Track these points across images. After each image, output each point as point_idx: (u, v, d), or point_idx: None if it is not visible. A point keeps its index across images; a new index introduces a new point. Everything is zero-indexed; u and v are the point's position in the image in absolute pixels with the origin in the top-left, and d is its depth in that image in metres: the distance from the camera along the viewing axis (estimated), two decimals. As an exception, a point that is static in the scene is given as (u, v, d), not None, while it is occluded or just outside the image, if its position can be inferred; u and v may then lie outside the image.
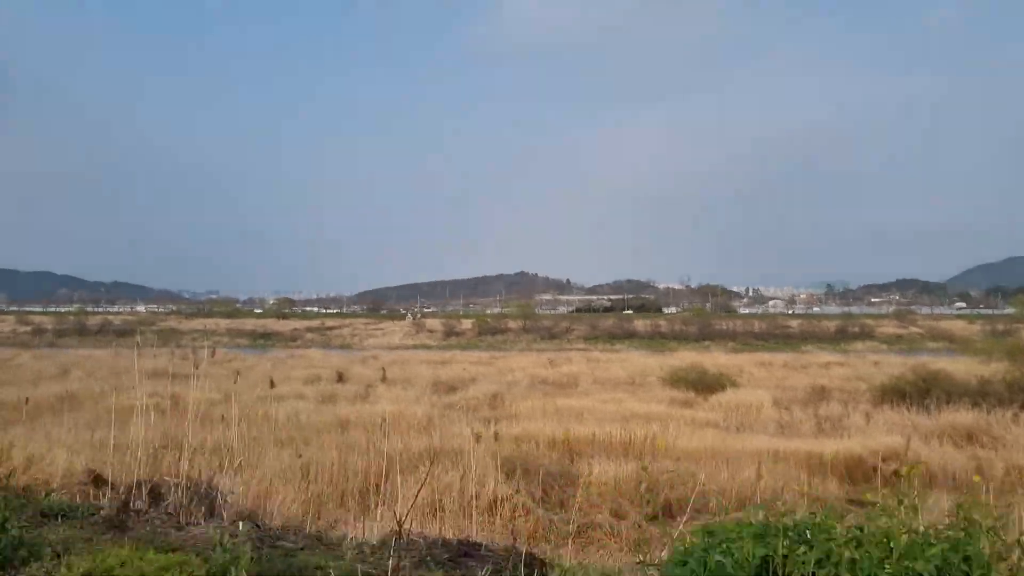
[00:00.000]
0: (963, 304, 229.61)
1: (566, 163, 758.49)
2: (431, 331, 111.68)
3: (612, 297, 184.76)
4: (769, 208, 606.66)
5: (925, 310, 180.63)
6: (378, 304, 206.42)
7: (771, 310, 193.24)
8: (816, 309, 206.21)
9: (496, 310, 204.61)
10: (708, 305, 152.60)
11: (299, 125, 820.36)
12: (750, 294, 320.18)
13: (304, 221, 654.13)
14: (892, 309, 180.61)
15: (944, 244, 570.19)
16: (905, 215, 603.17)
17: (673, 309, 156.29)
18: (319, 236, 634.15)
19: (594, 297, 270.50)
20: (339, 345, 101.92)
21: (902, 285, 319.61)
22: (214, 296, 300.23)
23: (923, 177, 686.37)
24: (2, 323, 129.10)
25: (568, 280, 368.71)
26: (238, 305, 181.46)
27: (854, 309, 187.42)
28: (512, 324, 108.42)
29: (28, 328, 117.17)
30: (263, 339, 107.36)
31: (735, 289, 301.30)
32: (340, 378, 32.89)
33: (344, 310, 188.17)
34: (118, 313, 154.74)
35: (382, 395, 25.85)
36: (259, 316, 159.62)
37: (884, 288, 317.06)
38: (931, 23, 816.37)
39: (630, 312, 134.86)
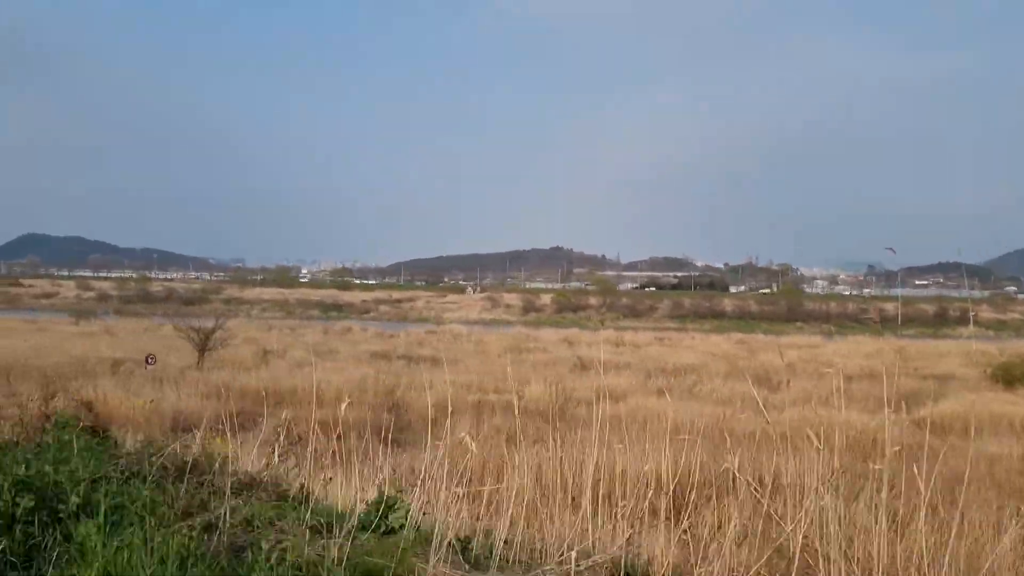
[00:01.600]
0: (1014, 288, 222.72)
1: (596, 138, 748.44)
2: (508, 306, 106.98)
3: (678, 274, 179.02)
4: (799, 187, 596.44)
5: (975, 294, 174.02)
6: (436, 276, 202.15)
7: (821, 290, 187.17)
8: (868, 292, 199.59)
9: (539, 284, 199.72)
10: (775, 285, 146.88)
11: (324, 95, 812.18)
12: (790, 274, 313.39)
13: (330, 190, 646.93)
14: (935, 292, 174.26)
15: (978, 228, 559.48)
16: (939, 197, 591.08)
17: (741, 288, 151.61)
18: (345, 205, 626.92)
19: (634, 273, 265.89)
20: (417, 319, 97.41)
21: (944, 268, 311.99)
22: (239, 264, 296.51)
23: (957, 160, 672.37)
24: (62, 288, 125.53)
25: (604, 256, 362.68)
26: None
27: (901, 291, 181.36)
28: (592, 300, 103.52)
29: (92, 294, 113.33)
30: (335, 311, 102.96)
31: (774, 268, 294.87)
32: (583, 365, 27.77)
33: (400, 281, 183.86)
34: (171, 280, 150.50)
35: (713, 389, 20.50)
36: (314, 286, 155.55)
37: (926, 271, 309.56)
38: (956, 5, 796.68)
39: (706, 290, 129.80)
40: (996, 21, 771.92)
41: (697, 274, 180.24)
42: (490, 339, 43.42)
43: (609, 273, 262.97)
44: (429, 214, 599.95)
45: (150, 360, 19.82)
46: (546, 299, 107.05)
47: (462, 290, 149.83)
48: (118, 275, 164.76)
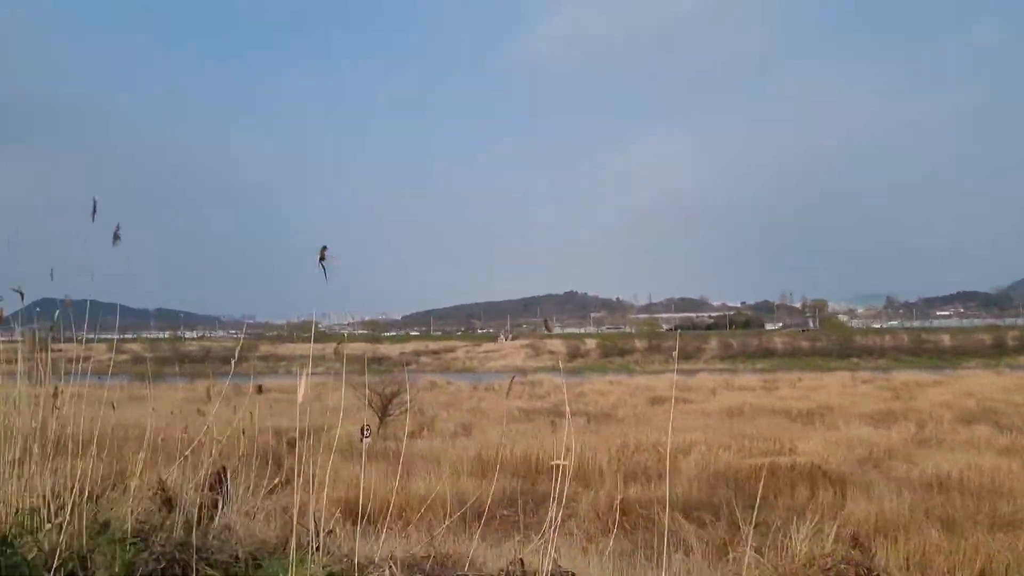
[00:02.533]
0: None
1: (604, 181, 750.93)
2: (552, 352, 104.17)
3: (713, 315, 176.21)
4: (810, 223, 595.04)
5: (998, 321, 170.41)
6: (451, 326, 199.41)
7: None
8: (894, 323, 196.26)
9: (558, 330, 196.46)
10: (811, 321, 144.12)
11: (332, 137, 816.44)
12: (826, 310, 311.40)
13: (339, 242, 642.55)
14: (961, 323, 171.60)
15: (987, 257, 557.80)
16: (946, 228, 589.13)
17: (776, 325, 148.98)
18: (356, 259, 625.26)
19: (647, 316, 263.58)
20: (461, 369, 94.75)
21: (964, 297, 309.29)
22: (250, 320, 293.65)
23: (966, 189, 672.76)
24: (90, 351, 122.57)
25: (618, 298, 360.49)
26: (322, 328, 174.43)
27: (924, 322, 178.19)
28: (638, 343, 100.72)
29: (126, 356, 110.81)
30: (375, 364, 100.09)
31: (796, 305, 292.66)
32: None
33: (431, 331, 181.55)
34: (200, 339, 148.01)
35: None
36: (348, 339, 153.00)
37: (946, 301, 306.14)
38: (971, 39, 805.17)
39: (745, 329, 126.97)
40: (1001, 51, 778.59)
41: (732, 313, 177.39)
42: (612, 389, 40.34)
43: (641, 316, 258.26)
44: (439, 264, 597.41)
45: (366, 432, 17.08)
46: (591, 344, 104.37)
47: (494, 338, 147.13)
48: (145, 336, 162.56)
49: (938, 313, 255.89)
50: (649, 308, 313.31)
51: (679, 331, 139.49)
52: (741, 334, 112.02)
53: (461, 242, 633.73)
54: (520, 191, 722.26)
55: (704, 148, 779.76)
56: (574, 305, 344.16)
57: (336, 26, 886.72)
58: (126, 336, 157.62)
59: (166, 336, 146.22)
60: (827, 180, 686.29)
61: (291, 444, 18.52)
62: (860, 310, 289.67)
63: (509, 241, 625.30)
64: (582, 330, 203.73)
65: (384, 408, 19.53)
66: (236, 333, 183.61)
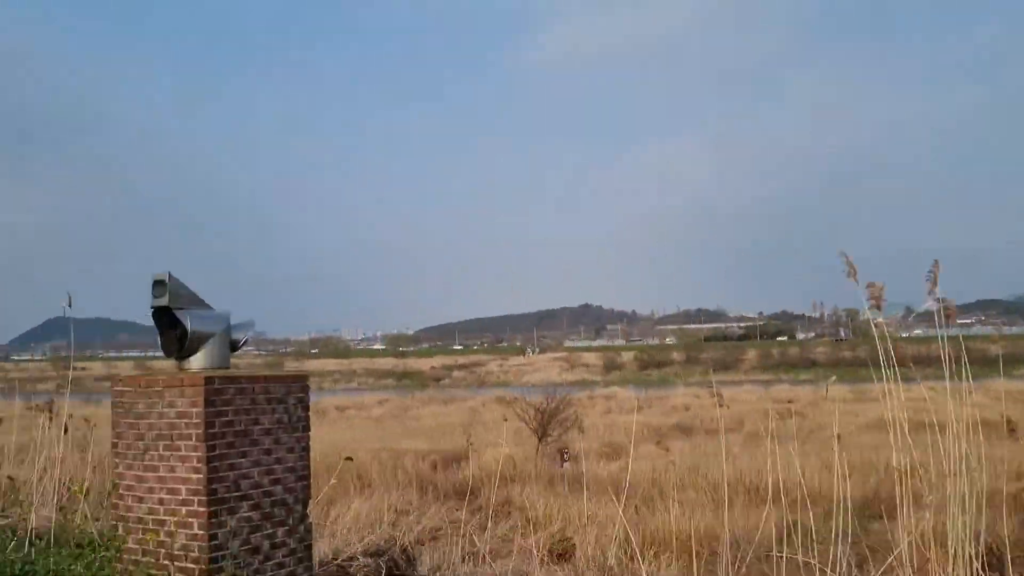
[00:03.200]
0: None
1: (616, 191, 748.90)
2: (586, 365, 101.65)
3: (743, 325, 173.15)
4: (825, 231, 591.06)
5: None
6: (468, 340, 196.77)
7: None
8: (919, 332, 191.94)
9: (573, 343, 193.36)
10: (842, 331, 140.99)
11: (340, 152, 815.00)
12: (859, 318, 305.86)
13: (349, 259, 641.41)
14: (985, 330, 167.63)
15: (1003, 264, 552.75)
16: (957, 235, 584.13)
17: (808, 335, 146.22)
18: (366, 273, 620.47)
19: (676, 327, 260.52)
20: (494, 383, 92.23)
21: (983, 305, 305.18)
22: (262, 336, 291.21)
23: (979, 194, 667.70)
24: (117, 369, 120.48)
25: (634, 311, 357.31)
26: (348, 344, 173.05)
27: (951, 331, 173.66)
28: (675, 355, 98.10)
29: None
30: (407, 379, 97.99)
31: (810, 315, 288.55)
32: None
33: (457, 346, 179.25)
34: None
35: None
36: (371, 355, 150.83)
37: (965, 309, 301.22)
38: (978, 40, 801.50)
39: (778, 339, 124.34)
40: (1015, 53, 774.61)
41: (763, 323, 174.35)
42: (706, 402, 37.82)
43: (668, 327, 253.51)
44: (451, 278, 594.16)
45: (566, 456, 14.64)
46: (627, 356, 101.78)
47: (522, 351, 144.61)
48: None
49: (959, 321, 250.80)
50: (666, 319, 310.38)
51: (723, 340, 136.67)
52: (781, 344, 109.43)
53: (475, 256, 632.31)
54: (534, 204, 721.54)
55: (713, 158, 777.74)
56: (590, 318, 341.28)
57: (350, 37, 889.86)
58: (148, 354, 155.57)
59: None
60: (837, 188, 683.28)
61: (434, 467, 16.21)
62: (879, 319, 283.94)
63: (524, 254, 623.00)
64: (610, 342, 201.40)
65: (544, 427, 16.98)
66: (253, 349, 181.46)
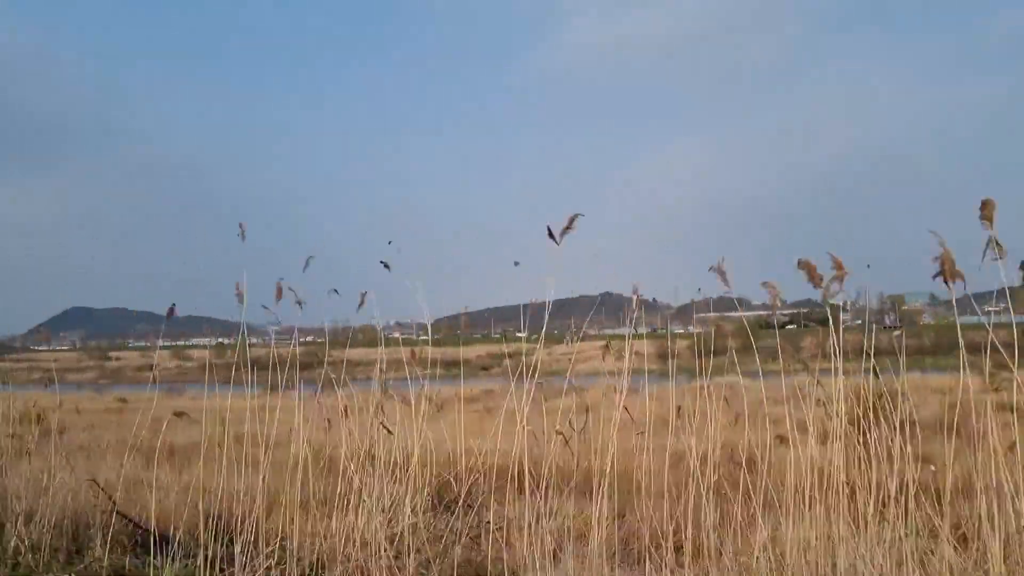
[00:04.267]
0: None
1: (639, 180, 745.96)
2: (637, 353, 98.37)
3: (786, 312, 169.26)
4: (846, 220, 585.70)
5: None
6: (486, 328, 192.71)
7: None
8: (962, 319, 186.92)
9: (597, 331, 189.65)
10: (887, 318, 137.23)
11: (361, 147, 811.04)
12: (848, 308, 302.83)
13: (357, 245, 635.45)
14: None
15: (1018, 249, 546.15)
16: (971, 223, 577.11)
17: (857, 322, 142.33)
18: (376, 260, 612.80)
19: (716, 315, 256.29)
20: (546, 373, 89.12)
21: (1012, 293, 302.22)
22: (275, 327, 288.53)
23: (994, 180, 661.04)
24: (146, 359, 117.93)
25: (655, 299, 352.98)
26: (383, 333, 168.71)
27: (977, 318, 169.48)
28: (731, 343, 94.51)
29: (192, 363, 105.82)
30: (454, 368, 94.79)
31: (835, 303, 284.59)
32: None
33: (496, 334, 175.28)
34: (253, 345, 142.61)
35: None
36: (409, 343, 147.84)
37: (979, 298, 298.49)
38: (996, 29, 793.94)
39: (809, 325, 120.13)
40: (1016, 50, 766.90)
41: (806, 311, 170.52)
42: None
43: (710, 315, 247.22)
44: (465, 266, 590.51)
45: None
46: (681, 344, 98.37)
47: (560, 340, 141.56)
48: (200, 343, 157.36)
49: (986, 309, 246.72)
50: (685, 309, 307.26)
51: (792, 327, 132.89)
52: (817, 332, 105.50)
53: (489, 244, 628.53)
54: (550, 193, 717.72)
55: (732, 149, 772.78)
56: (610, 307, 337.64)
57: (362, 37, 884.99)
58: (182, 343, 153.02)
59: (228, 342, 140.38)
60: (852, 177, 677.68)
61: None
62: (905, 308, 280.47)
63: (541, 243, 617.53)
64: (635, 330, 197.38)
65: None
66: (266, 339, 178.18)
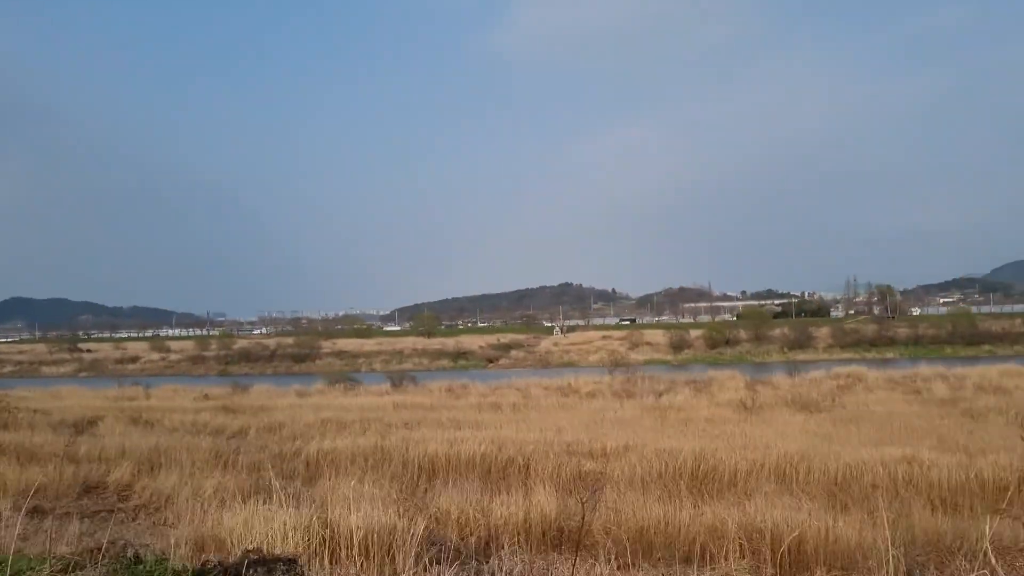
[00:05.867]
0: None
1: (591, 172, 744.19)
2: (649, 343, 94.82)
3: (778, 302, 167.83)
4: (797, 212, 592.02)
5: (1007, 308, 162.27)
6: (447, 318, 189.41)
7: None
8: (916, 311, 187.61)
9: (556, 323, 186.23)
10: (877, 309, 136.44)
11: (307, 138, 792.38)
12: (807, 297, 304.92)
13: (313, 238, 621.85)
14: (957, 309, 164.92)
15: (972, 242, 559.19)
16: (930, 215, 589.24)
17: (850, 312, 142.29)
18: (333, 253, 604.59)
19: (707, 304, 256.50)
20: (558, 364, 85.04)
21: (959, 284, 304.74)
22: (220, 318, 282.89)
23: (944, 177, 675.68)
24: (124, 350, 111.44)
25: (614, 290, 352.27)
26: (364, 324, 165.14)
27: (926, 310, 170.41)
28: (743, 334, 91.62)
29: (179, 356, 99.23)
30: (461, 359, 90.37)
31: (795, 293, 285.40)
32: None
33: (487, 323, 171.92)
34: (234, 337, 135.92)
35: None
36: (391, 334, 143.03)
37: (942, 288, 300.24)
38: (938, 22, 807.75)
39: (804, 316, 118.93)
40: (962, 43, 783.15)
41: (797, 300, 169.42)
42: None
43: (700, 305, 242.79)
44: (425, 258, 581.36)
45: None
46: (695, 334, 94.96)
47: (549, 331, 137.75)
48: (181, 334, 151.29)
49: (941, 300, 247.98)
50: (648, 298, 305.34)
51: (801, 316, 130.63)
52: (816, 322, 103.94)
53: (447, 235, 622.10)
54: (508, 183, 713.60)
55: (689, 139, 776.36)
56: (570, 297, 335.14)
57: (309, 23, 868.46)
58: (165, 333, 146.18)
59: (216, 334, 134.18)
60: (802, 171, 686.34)
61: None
62: (859, 298, 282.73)
63: (499, 234, 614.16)
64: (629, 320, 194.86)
65: None
66: (233, 329, 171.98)
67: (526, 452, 14.13)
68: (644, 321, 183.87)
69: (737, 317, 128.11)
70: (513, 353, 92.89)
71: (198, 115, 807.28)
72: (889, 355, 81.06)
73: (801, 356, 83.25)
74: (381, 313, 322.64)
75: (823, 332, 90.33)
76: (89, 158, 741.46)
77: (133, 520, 11.55)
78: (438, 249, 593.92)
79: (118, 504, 12.46)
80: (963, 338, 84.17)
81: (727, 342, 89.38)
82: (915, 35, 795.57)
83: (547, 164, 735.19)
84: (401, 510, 8.03)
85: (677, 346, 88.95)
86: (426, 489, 12.53)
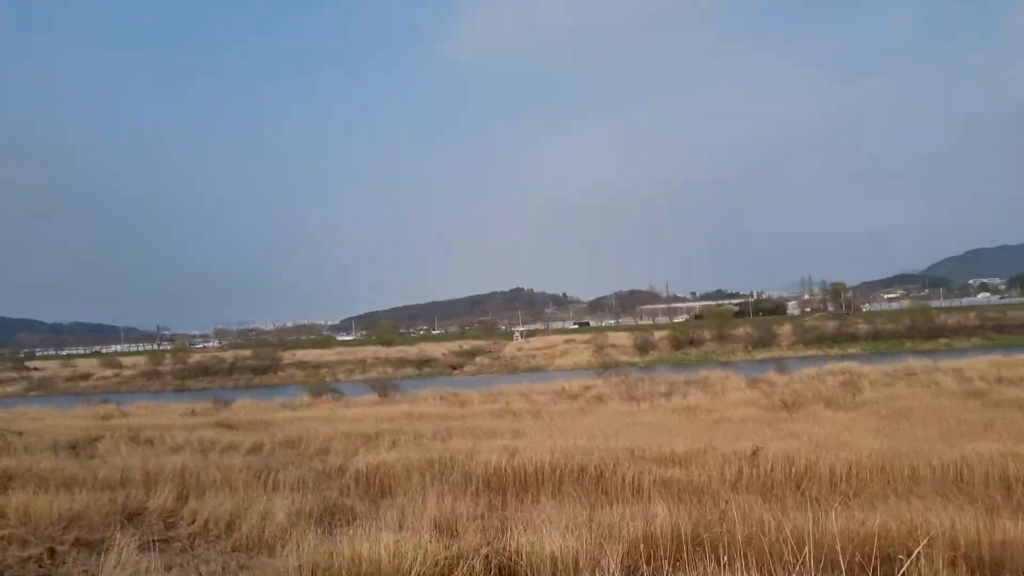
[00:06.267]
0: (987, 294, 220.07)
1: (540, 176, 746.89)
2: (613, 345, 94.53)
3: (736, 302, 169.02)
4: (731, 214, 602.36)
5: (949, 302, 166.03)
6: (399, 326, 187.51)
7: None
8: (866, 307, 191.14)
9: (516, 328, 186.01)
10: (831, 307, 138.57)
11: (256, 148, 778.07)
12: (757, 296, 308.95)
13: (258, 249, 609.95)
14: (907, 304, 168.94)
15: (902, 239, 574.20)
16: (869, 215, 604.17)
17: (793, 312, 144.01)
18: (276, 265, 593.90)
19: (666, 306, 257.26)
20: (527, 368, 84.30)
21: (902, 280, 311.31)
22: (166, 331, 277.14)
23: (882, 178, 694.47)
24: (74, 368, 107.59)
25: (565, 294, 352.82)
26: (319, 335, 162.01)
27: (874, 306, 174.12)
28: (707, 334, 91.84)
29: (133, 371, 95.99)
30: (425, 366, 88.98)
31: (744, 292, 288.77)
32: None
33: (442, 331, 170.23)
34: (189, 351, 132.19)
35: None
36: (348, 344, 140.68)
37: (885, 284, 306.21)
38: (883, 30, 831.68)
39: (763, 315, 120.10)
40: (903, 48, 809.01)
41: (753, 300, 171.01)
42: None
43: (659, 307, 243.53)
44: (374, 266, 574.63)
45: None
46: (659, 335, 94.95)
47: (510, 336, 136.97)
48: (130, 349, 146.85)
49: (886, 296, 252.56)
50: (598, 303, 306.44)
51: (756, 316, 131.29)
52: (780, 320, 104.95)
53: (397, 243, 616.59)
54: (460, 191, 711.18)
55: (636, 144, 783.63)
56: (522, 302, 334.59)
57: (261, 27, 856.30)
58: (117, 348, 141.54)
59: (169, 348, 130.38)
60: (745, 174, 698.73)
61: None
62: (806, 296, 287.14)
63: (450, 240, 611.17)
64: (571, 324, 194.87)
65: None
66: (184, 342, 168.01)
67: (593, 460, 13.26)
68: (600, 324, 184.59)
69: (697, 317, 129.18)
70: (478, 359, 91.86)
71: (136, 122, 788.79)
72: (851, 351, 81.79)
73: (765, 354, 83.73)
74: (331, 323, 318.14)
75: (785, 330, 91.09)
76: (21, 166, 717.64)
77: (192, 549, 10.40)
78: (388, 257, 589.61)
79: (168, 533, 11.28)
80: (921, 333, 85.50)
81: (691, 342, 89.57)
82: (860, 42, 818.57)
83: (498, 171, 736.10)
84: (591, 535, 7.06)
85: (642, 348, 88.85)
86: (503, 504, 11.62)
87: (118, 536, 10.55)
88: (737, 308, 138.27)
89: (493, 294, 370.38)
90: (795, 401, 21.63)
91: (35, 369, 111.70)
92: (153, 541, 10.65)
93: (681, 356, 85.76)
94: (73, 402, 52.89)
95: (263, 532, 10.11)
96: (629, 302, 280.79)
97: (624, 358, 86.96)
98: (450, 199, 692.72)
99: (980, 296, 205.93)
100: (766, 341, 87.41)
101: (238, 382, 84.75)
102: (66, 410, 40.10)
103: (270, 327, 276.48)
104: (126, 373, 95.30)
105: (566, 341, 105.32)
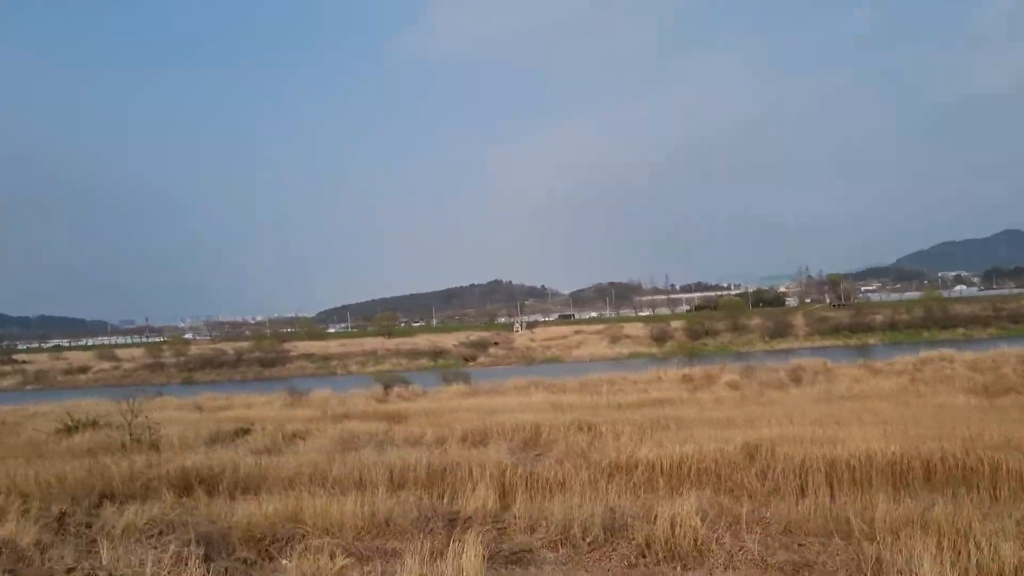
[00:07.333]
0: (963, 286, 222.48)
1: (516, 170, 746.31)
2: (628, 336, 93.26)
3: (732, 293, 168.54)
4: (703, 207, 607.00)
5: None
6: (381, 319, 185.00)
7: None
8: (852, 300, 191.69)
9: (517, 319, 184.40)
10: (828, 298, 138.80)
11: (222, 144, 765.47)
12: (736, 287, 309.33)
13: (236, 242, 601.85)
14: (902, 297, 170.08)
15: (879, 233, 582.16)
16: (837, 208, 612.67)
17: (792, 302, 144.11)
18: (250, 257, 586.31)
19: (665, 296, 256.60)
20: (543, 360, 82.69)
21: (875, 273, 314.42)
22: (130, 325, 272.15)
23: (843, 170, 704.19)
24: (68, 361, 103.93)
25: (544, 286, 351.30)
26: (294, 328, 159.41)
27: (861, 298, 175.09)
28: (720, 325, 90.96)
29: (132, 364, 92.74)
30: (440, 358, 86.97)
31: (724, 284, 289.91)
32: None
33: (434, 323, 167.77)
34: (188, 342, 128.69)
35: None
36: (342, 336, 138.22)
37: (858, 277, 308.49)
38: (843, 27, 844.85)
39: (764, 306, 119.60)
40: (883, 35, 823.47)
41: (753, 290, 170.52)
42: None
43: (658, 297, 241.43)
44: (350, 258, 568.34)
45: None
46: (676, 325, 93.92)
47: (510, 327, 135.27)
48: (118, 342, 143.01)
49: (863, 288, 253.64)
50: (578, 295, 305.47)
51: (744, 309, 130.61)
52: (800, 310, 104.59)
53: (371, 235, 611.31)
54: (436, 183, 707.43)
55: (613, 136, 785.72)
56: (501, 295, 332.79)
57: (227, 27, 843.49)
58: (108, 341, 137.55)
59: (167, 340, 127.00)
60: (713, 165, 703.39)
61: None
62: (783, 288, 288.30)
63: (426, 232, 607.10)
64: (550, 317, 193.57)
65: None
66: (205, 336, 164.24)
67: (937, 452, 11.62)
68: (583, 316, 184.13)
69: (698, 308, 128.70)
70: (491, 351, 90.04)
71: (104, 112, 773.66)
72: (871, 340, 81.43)
73: (784, 344, 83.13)
74: (306, 316, 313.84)
75: (799, 320, 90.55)
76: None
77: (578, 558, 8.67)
78: (362, 250, 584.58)
79: (515, 539, 9.52)
80: (937, 322, 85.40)
81: (707, 332, 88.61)
82: (829, 38, 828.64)
83: (474, 163, 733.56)
84: None
85: (659, 338, 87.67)
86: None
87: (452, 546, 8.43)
88: (737, 299, 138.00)
89: (471, 286, 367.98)
90: (1009, 387, 20.24)
91: (24, 362, 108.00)
92: (502, 551, 8.80)
93: (699, 346, 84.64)
94: (80, 396, 48.83)
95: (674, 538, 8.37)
96: (608, 294, 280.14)
97: (641, 348, 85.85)
98: (429, 192, 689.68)
99: (957, 289, 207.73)
100: (782, 331, 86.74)
101: (246, 374, 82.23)
102: (97, 401, 36.25)
103: (250, 320, 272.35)
104: (126, 366, 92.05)
105: (576, 332, 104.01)
